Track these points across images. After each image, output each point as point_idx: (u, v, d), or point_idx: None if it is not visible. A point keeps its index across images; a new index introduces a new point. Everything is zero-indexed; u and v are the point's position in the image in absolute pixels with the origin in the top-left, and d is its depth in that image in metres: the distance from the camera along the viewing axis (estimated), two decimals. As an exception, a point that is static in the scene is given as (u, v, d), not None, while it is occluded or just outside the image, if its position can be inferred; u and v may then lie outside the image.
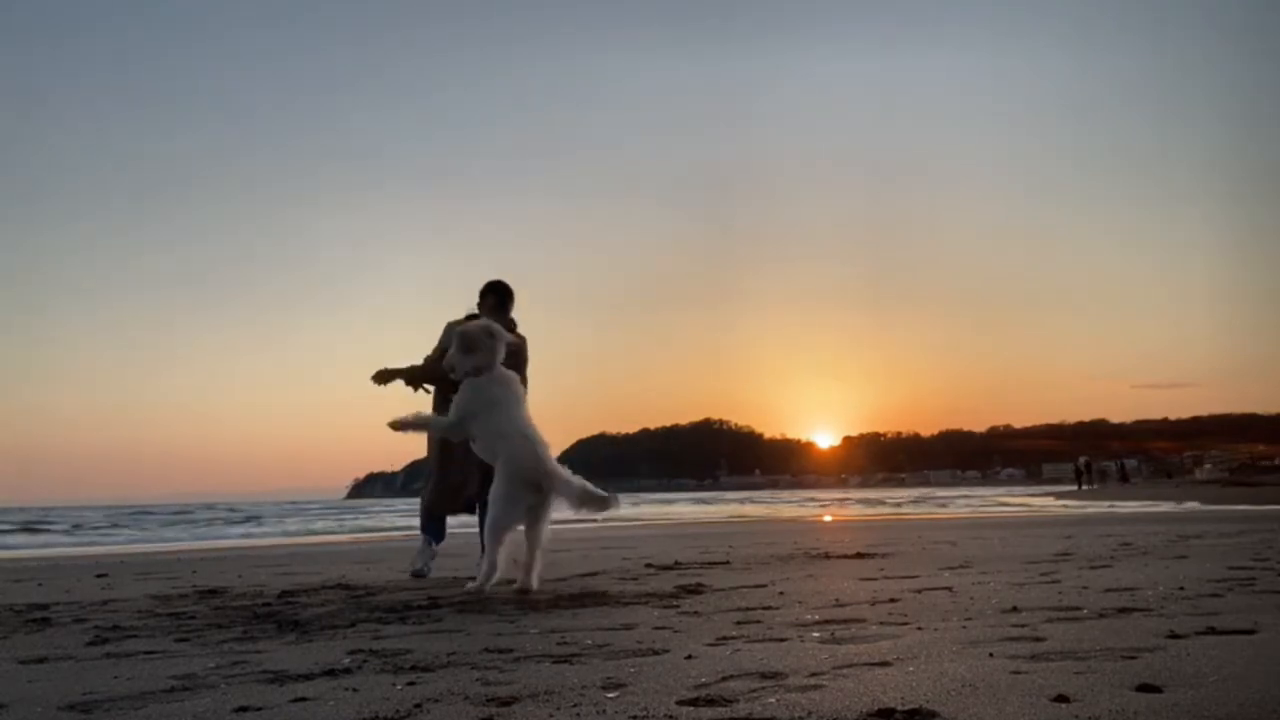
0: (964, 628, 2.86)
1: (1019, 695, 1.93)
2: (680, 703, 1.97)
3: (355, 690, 2.22)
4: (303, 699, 2.14)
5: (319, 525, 21.76)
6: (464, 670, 2.42)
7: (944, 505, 27.08)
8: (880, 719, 1.81)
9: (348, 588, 4.84)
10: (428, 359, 5.38)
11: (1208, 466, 65.08)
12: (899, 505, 27.63)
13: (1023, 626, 2.84)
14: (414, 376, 5.38)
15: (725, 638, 2.82)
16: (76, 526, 22.40)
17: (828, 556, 6.12)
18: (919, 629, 2.86)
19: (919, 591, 3.91)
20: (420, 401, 5.38)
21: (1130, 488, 43.05)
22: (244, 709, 2.07)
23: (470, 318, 5.28)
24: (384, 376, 5.36)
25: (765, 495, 64.54)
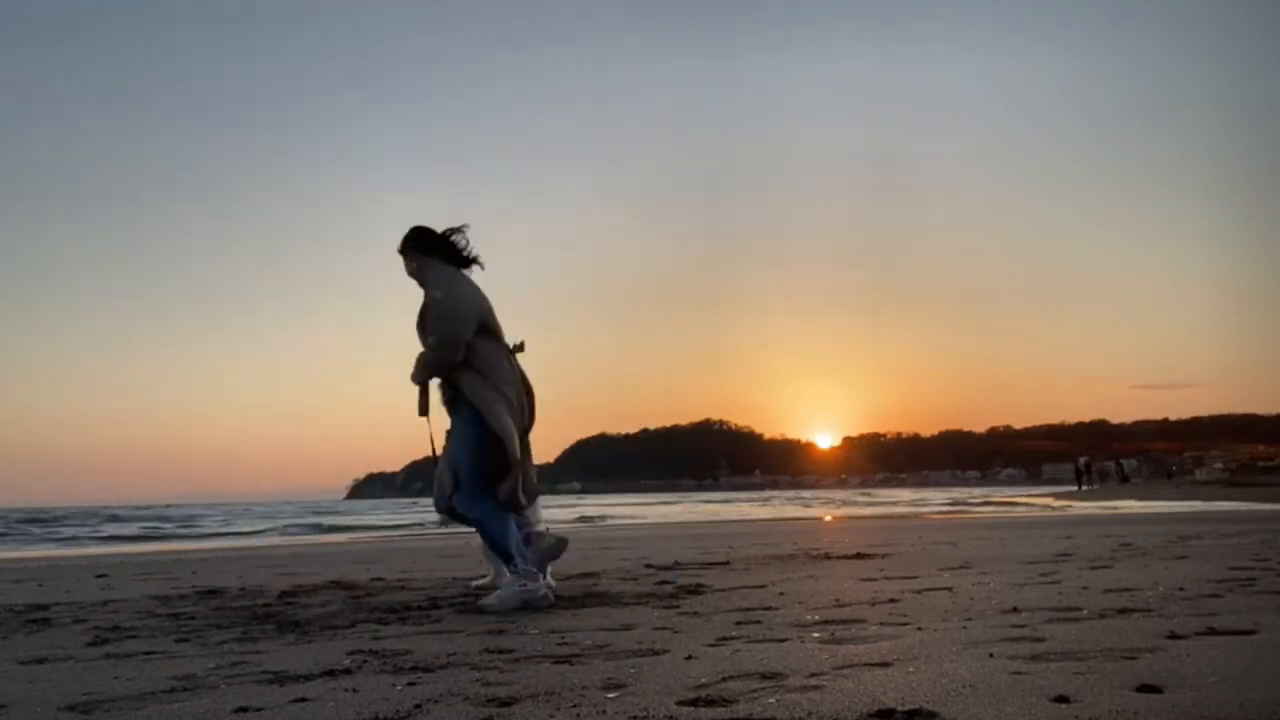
0: (964, 628, 2.86)
1: (1019, 696, 1.92)
2: (680, 703, 1.97)
3: (355, 690, 2.22)
4: (303, 699, 2.14)
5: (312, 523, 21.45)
6: (464, 670, 2.42)
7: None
8: (880, 719, 1.81)
9: (348, 588, 4.85)
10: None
11: (1217, 466, 64.75)
12: (894, 506, 27.62)
13: (1023, 627, 2.84)
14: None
15: (725, 638, 2.81)
16: None
17: (828, 557, 6.12)
18: (919, 629, 2.86)
19: (919, 592, 3.91)
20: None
21: (1130, 488, 42.95)
22: (244, 709, 2.07)
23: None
24: None
25: (765, 495, 64.46)
